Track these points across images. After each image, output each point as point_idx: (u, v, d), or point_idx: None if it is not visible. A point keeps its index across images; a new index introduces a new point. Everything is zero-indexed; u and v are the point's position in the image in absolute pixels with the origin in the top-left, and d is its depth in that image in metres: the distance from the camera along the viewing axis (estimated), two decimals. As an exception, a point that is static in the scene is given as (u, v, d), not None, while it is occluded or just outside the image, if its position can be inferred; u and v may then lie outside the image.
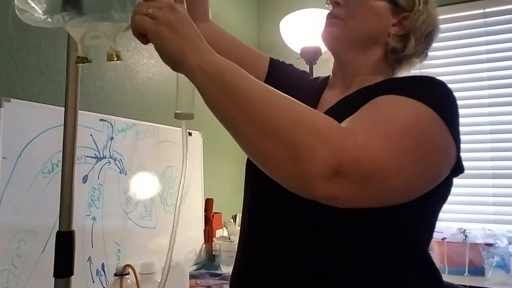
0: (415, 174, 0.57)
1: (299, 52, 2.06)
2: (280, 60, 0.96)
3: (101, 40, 0.60)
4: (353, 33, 0.77)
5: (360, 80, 0.77)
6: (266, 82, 0.86)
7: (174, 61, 0.56)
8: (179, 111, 0.66)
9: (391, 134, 0.56)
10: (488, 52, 2.20)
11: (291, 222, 0.69)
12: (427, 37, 0.78)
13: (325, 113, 0.71)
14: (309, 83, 0.92)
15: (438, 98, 0.62)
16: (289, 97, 0.56)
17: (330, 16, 0.79)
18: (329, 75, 0.89)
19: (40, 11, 0.53)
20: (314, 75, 2.25)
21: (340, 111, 0.71)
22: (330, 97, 0.80)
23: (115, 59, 0.59)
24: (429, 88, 0.64)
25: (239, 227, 0.87)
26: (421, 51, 0.79)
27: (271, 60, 0.94)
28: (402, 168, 0.55)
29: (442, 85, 0.65)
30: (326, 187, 0.51)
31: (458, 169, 0.64)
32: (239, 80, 0.55)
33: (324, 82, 0.88)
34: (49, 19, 0.54)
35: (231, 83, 0.55)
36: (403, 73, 0.82)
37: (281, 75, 0.91)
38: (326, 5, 0.85)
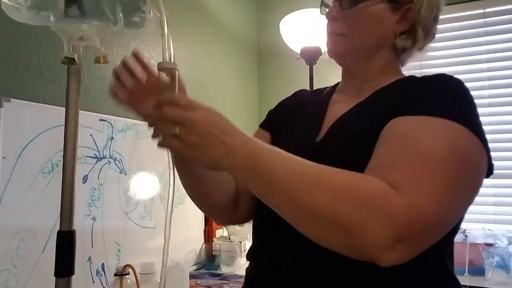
0: (463, 203, 0.57)
1: (299, 52, 2.07)
2: (267, 115, 0.93)
3: (89, 41, 0.59)
4: (359, 46, 0.75)
5: (371, 84, 0.75)
6: (272, 139, 0.85)
7: (210, 168, 0.60)
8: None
9: (435, 175, 0.54)
10: (488, 52, 2.20)
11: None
12: (433, 20, 0.75)
13: (340, 119, 0.72)
14: (311, 97, 0.90)
15: (465, 110, 0.61)
16: (325, 170, 0.55)
17: (331, 33, 0.77)
18: (337, 83, 0.87)
19: (26, 8, 0.53)
20: (314, 75, 2.25)
21: (355, 118, 0.70)
22: (340, 102, 0.78)
23: (102, 62, 0.59)
24: (454, 99, 0.62)
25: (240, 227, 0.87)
26: (431, 36, 0.77)
27: (262, 125, 0.91)
28: (453, 205, 0.55)
29: (463, 91, 0.64)
30: (389, 256, 0.51)
31: (489, 172, 0.63)
32: (274, 170, 0.55)
33: (332, 89, 0.87)
34: (35, 16, 0.53)
35: (266, 176, 0.55)
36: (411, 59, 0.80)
37: (277, 116, 0.89)
38: (322, 14, 0.83)
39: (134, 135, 1.58)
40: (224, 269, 1.85)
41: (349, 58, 0.77)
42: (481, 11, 2.20)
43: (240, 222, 0.87)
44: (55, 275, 0.65)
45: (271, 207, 0.57)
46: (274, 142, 0.84)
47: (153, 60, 1.75)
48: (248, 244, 1.98)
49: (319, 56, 2.06)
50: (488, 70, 2.20)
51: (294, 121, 0.83)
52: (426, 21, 0.74)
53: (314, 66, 2.09)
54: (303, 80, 2.34)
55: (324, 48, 2.05)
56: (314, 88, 0.94)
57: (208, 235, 1.99)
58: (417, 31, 0.74)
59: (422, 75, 0.71)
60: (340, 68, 0.85)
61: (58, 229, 0.67)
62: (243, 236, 1.98)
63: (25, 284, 1.13)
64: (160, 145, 0.58)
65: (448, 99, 0.62)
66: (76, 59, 0.60)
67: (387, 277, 0.60)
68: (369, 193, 0.52)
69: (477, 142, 0.58)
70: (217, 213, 0.84)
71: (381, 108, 0.67)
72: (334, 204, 0.51)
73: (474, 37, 2.22)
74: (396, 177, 0.53)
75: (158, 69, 0.66)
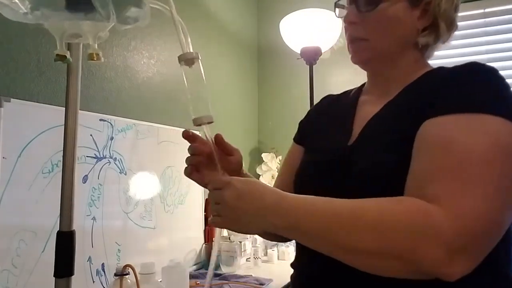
0: None
1: (299, 52, 2.07)
2: (298, 127, 0.94)
3: (82, 39, 0.59)
4: (382, 50, 0.73)
5: (399, 83, 0.73)
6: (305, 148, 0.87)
7: (253, 232, 0.67)
8: (196, 116, 0.67)
9: (478, 178, 0.52)
10: (488, 52, 2.20)
11: None
12: (454, 11, 0.73)
13: (371, 120, 0.71)
14: (338, 100, 0.89)
15: (499, 99, 0.59)
16: (359, 208, 0.55)
17: (351, 39, 0.75)
18: (362, 84, 0.86)
19: (20, 6, 0.52)
20: (314, 75, 2.25)
21: (386, 119, 0.69)
22: (368, 103, 0.77)
23: (95, 59, 0.58)
24: (485, 90, 0.60)
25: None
26: (454, 27, 0.75)
27: (295, 139, 0.93)
28: (504, 203, 0.53)
29: (496, 79, 0.61)
30: (451, 270, 0.50)
31: None
32: (311, 224, 0.56)
33: (358, 90, 0.85)
34: (29, 15, 0.53)
35: (305, 231, 0.57)
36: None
37: (306, 125, 0.91)
38: (338, 17, 0.81)
39: (134, 135, 1.58)
40: (224, 269, 1.85)
41: (373, 63, 0.76)
42: (481, 11, 2.20)
43: (284, 240, 0.93)
44: (54, 275, 0.65)
45: (320, 251, 0.59)
46: (306, 150, 0.85)
47: (153, 60, 1.75)
48: (248, 244, 1.98)
49: (319, 56, 2.06)
50: (488, 70, 2.20)
51: (324, 127, 0.83)
52: (447, 13, 0.72)
53: (314, 66, 2.09)
54: (303, 80, 2.34)
55: (324, 48, 2.05)
56: (342, 92, 0.93)
57: (208, 235, 1.99)
58: (439, 25, 0.72)
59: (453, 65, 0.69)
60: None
61: (58, 229, 0.67)
62: (243, 236, 1.98)
63: (25, 284, 1.13)
64: (209, 222, 0.66)
65: (479, 91, 0.60)
66: (68, 57, 0.59)
67: None
68: (409, 217, 0.52)
69: None
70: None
71: (411, 106, 0.66)
72: (380, 239, 0.52)
73: (474, 37, 2.23)
74: (435, 191, 0.53)
75: (179, 62, 0.65)
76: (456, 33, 0.78)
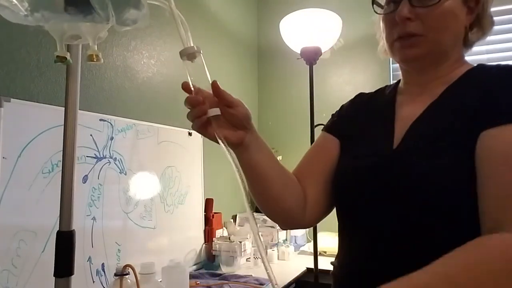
0: None
1: (299, 52, 2.06)
2: (331, 119, 0.91)
3: (81, 40, 0.59)
4: (439, 46, 0.71)
5: (439, 81, 0.73)
6: (341, 144, 0.84)
7: None
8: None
9: None
10: (488, 52, 2.20)
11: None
12: (491, 6, 0.74)
13: (416, 123, 0.70)
14: (374, 100, 0.87)
15: None
16: (462, 273, 0.54)
17: (406, 35, 0.71)
18: (397, 81, 0.84)
19: (20, 8, 0.52)
20: (314, 75, 2.25)
21: (432, 121, 0.69)
22: (408, 104, 0.76)
23: (94, 60, 0.58)
24: None
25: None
26: (493, 21, 0.75)
27: (328, 129, 0.88)
28: None
29: None
30: None
31: None
32: None
33: (394, 89, 0.83)
34: (29, 17, 0.53)
35: None
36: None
37: (343, 122, 0.88)
38: (378, 13, 0.78)
39: (134, 135, 1.58)
40: (224, 269, 1.85)
41: (426, 60, 0.73)
42: (481, 11, 2.21)
43: (306, 226, 0.86)
44: (54, 275, 0.65)
45: None
46: (346, 149, 0.83)
47: (153, 60, 1.75)
48: (248, 244, 1.98)
49: (319, 56, 2.06)
50: (488, 70, 2.20)
51: (363, 127, 0.81)
52: (489, 11, 0.72)
53: (314, 66, 2.09)
54: (303, 80, 2.34)
55: (324, 48, 2.05)
56: (375, 90, 0.90)
57: (208, 235, 1.99)
58: (483, 21, 0.72)
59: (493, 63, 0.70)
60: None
61: (58, 229, 0.67)
62: (243, 236, 1.98)
63: (25, 284, 1.13)
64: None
65: None
66: (68, 58, 0.59)
67: None
68: (505, 260, 0.53)
69: None
70: (283, 218, 0.81)
71: (458, 107, 0.66)
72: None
73: (474, 37, 2.23)
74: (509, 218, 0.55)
75: (181, 57, 0.65)
76: None
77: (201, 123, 0.67)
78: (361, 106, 0.87)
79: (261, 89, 2.78)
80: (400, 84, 0.82)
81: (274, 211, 0.80)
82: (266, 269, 0.55)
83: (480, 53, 2.20)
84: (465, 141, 0.62)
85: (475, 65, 0.74)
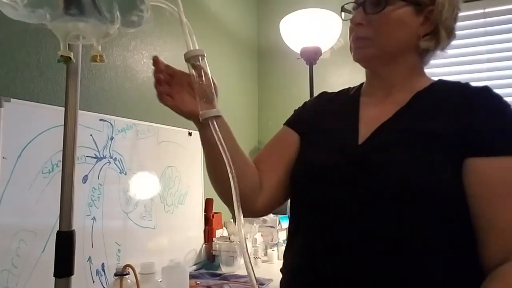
0: None
1: (299, 52, 2.07)
2: (293, 114, 0.95)
3: (85, 40, 0.59)
4: (385, 49, 0.76)
5: (401, 87, 0.78)
6: (301, 139, 0.87)
7: None
8: (203, 111, 0.66)
9: None
10: (488, 52, 2.20)
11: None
12: (454, 20, 0.78)
13: (384, 124, 0.74)
14: (337, 99, 0.91)
15: None
16: None
17: (357, 39, 0.78)
18: (360, 85, 0.89)
19: (22, 6, 0.52)
20: (314, 75, 2.25)
21: (404, 125, 0.73)
22: (372, 105, 0.81)
23: (98, 60, 0.58)
24: None
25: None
26: (453, 35, 0.79)
27: (289, 123, 0.92)
28: None
29: None
30: None
31: None
32: None
33: (357, 91, 0.88)
34: (31, 14, 0.53)
35: None
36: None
37: (305, 118, 0.90)
38: (343, 20, 0.84)
39: (134, 135, 1.58)
40: (224, 269, 1.85)
41: (375, 61, 0.79)
42: (481, 11, 2.20)
43: (256, 214, 0.88)
44: (54, 275, 0.65)
45: None
46: (307, 144, 0.85)
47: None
48: (248, 244, 1.98)
49: (319, 56, 2.06)
50: (488, 70, 2.20)
51: (327, 123, 0.84)
52: (448, 22, 0.76)
53: (314, 66, 2.09)
54: (303, 80, 2.34)
55: (324, 48, 2.05)
56: (338, 91, 0.94)
57: (208, 235, 1.99)
58: (440, 32, 0.76)
59: (452, 80, 0.76)
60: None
61: (58, 229, 0.67)
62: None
63: (25, 284, 1.13)
64: None
65: None
66: (72, 58, 0.59)
67: None
68: None
69: None
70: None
71: (426, 115, 0.71)
72: None
73: (474, 37, 2.23)
74: None
75: (186, 60, 0.65)
76: (456, 33, 0.80)
77: (159, 92, 0.75)
78: (325, 103, 0.91)
79: (261, 89, 2.78)
80: (364, 86, 0.87)
81: (227, 192, 0.82)
82: (247, 269, 0.61)
83: (480, 53, 2.20)
84: (433, 147, 0.67)
85: (436, 79, 0.80)
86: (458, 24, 0.79)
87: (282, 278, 0.83)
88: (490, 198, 0.64)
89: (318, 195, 0.76)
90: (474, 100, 0.71)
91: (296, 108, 0.96)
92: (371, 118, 0.77)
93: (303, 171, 0.81)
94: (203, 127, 0.74)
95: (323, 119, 0.86)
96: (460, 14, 0.79)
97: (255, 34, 2.78)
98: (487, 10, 2.19)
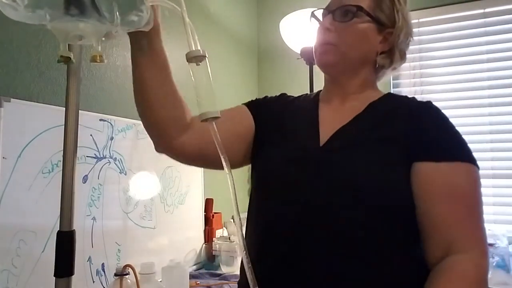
0: None
1: (299, 52, 2.06)
2: (253, 100, 0.96)
3: (85, 40, 0.59)
4: (346, 57, 0.82)
5: (356, 96, 0.84)
6: (256, 123, 0.89)
7: None
8: (202, 112, 0.66)
9: (480, 219, 0.71)
10: (488, 52, 2.20)
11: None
12: (407, 45, 0.87)
13: (342, 128, 0.79)
14: (296, 103, 0.94)
15: (466, 146, 0.75)
16: None
17: (323, 43, 0.83)
18: (318, 91, 0.93)
19: (22, 6, 0.52)
20: (314, 75, 2.25)
21: (357, 129, 0.79)
22: (330, 111, 0.86)
23: (98, 61, 0.58)
24: (460, 140, 0.75)
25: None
26: (404, 58, 0.87)
27: (248, 105, 0.93)
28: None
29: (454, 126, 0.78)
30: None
31: None
32: None
33: (316, 96, 0.92)
34: (31, 15, 0.53)
35: None
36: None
37: (265, 110, 0.92)
38: (310, 23, 0.90)
39: (134, 135, 1.58)
40: (224, 269, 1.85)
41: (336, 68, 0.84)
42: (481, 11, 2.20)
43: (175, 153, 0.91)
44: (55, 275, 0.65)
45: None
46: (268, 143, 0.86)
47: (153, 60, 1.75)
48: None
49: (319, 56, 2.05)
50: (488, 70, 2.19)
51: (286, 124, 0.87)
52: (402, 46, 0.85)
53: (314, 66, 2.09)
54: (303, 80, 2.34)
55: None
56: (298, 95, 0.98)
57: (208, 235, 1.99)
58: (395, 53, 0.84)
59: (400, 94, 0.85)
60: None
61: (58, 229, 0.67)
62: (243, 236, 1.97)
63: (25, 284, 1.13)
64: None
65: (462, 142, 0.75)
66: (72, 58, 0.59)
67: None
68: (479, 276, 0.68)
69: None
70: (156, 132, 0.89)
71: (380, 122, 0.78)
72: None
73: (474, 37, 2.22)
74: (466, 240, 0.69)
75: (188, 60, 0.65)
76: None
77: None
78: (285, 103, 0.94)
79: (261, 89, 2.78)
80: (322, 92, 0.92)
81: (149, 117, 0.89)
82: (246, 269, 0.61)
83: (480, 53, 2.20)
84: (388, 150, 0.74)
85: (386, 93, 0.87)
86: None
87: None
88: (434, 198, 0.71)
89: (280, 191, 0.79)
90: (421, 111, 0.78)
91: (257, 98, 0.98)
92: (330, 122, 0.82)
93: (266, 165, 0.83)
94: (149, 36, 0.73)
95: (283, 120, 0.89)
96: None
97: (255, 34, 2.78)
98: (487, 10, 2.19)
